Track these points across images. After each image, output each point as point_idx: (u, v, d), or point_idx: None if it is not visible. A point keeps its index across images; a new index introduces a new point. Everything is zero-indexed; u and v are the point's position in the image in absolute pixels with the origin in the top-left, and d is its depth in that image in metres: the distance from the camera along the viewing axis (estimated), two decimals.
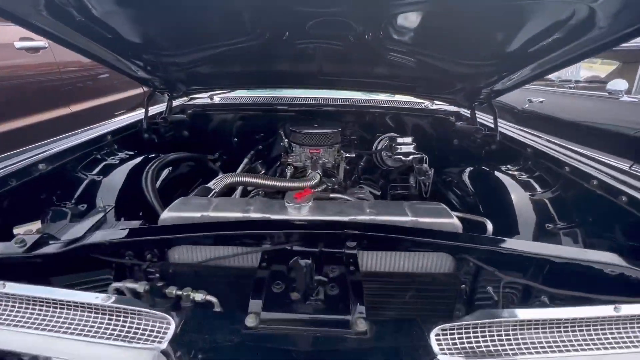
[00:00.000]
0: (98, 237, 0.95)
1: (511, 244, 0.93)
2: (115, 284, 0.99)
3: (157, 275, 1.00)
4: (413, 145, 1.97)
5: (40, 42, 3.88)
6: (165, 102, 2.30)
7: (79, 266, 1.02)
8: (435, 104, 2.57)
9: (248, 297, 0.95)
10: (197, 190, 1.24)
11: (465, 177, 2.16)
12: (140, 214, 1.56)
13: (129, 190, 1.62)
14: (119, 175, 1.67)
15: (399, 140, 1.99)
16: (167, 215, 1.02)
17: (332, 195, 1.20)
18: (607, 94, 3.78)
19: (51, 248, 0.94)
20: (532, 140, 1.84)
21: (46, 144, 1.57)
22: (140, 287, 0.95)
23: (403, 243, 0.94)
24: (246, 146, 2.59)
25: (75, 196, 1.48)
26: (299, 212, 1.02)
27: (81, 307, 0.76)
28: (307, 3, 1.13)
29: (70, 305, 0.77)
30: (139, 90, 5.99)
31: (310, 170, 1.73)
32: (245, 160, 2.43)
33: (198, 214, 1.01)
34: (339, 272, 0.90)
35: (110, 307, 0.78)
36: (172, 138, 2.38)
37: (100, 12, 1.26)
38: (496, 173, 1.90)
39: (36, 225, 1.18)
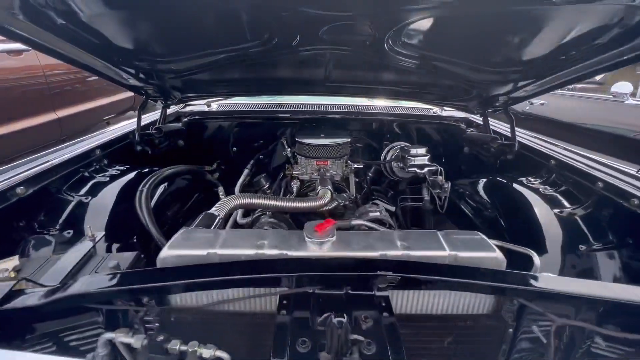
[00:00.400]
0: (85, 284, 0.80)
1: (570, 285, 0.81)
2: (108, 335, 0.84)
3: (157, 324, 0.86)
4: (427, 157, 1.85)
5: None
6: (159, 110, 2.14)
7: (63, 313, 0.86)
8: (445, 110, 2.46)
9: (265, 351, 0.81)
10: (199, 219, 1.09)
11: (480, 188, 2.05)
12: (135, 239, 1.41)
13: (121, 212, 1.46)
14: (109, 195, 1.51)
15: (412, 150, 1.86)
16: (168, 253, 0.87)
17: (353, 222, 1.07)
18: (611, 96, 3.73)
19: (29, 299, 0.78)
20: (554, 151, 1.73)
21: (26, 162, 1.40)
22: (137, 342, 0.80)
23: (444, 284, 0.82)
24: (246, 156, 2.45)
25: (60, 221, 1.32)
26: (321, 247, 0.88)
27: None
28: (325, 6, 1.00)
29: None
30: (130, 94, 5.78)
31: (319, 187, 1.59)
32: (246, 172, 2.28)
33: (204, 252, 0.87)
34: (372, 321, 0.77)
35: None
36: (166, 149, 2.22)
37: (86, 15, 1.10)
38: (515, 185, 1.79)
39: (13, 261, 1.02)
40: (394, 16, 1.10)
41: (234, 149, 2.46)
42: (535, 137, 2.00)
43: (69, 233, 1.31)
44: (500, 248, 0.97)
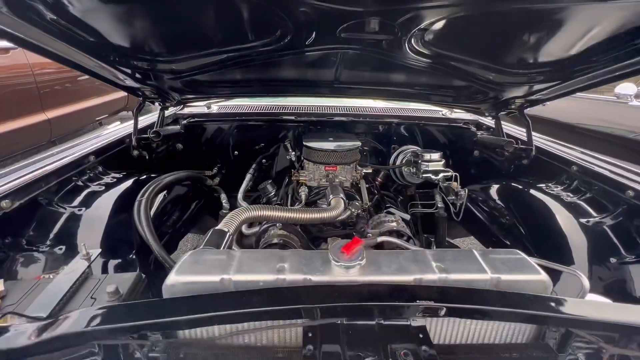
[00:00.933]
0: (80, 319, 0.69)
1: (630, 312, 0.73)
2: None
3: None
4: (442, 162, 1.76)
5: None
6: (157, 113, 2.02)
7: (53, 348, 0.75)
8: (454, 112, 2.38)
9: None
10: (208, 237, 0.99)
11: (493, 193, 1.97)
12: (133, 255, 1.30)
13: (118, 224, 1.35)
14: (104, 206, 1.39)
15: (426, 155, 1.77)
16: (177, 280, 0.77)
17: (380, 239, 0.97)
18: (615, 98, 3.69)
19: (15, 339, 0.67)
20: (576, 157, 1.66)
21: (12, 171, 1.28)
22: None
23: (491, 314, 0.73)
24: (247, 160, 2.34)
25: (51, 236, 1.20)
26: (348, 272, 0.79)
27: None
28: (349, 2, 0.90)
29: None
30: (123, 94, 5.61)
31: (331, 195, 1.49)
32: (248, 177, 2.17)
33: (217, 278, 0.77)
34: (412, 357, 0.68)
35: None
36: (164, 153, 2.10)
37: (79, 9, 0.99)
38: (532, 191, 1.71)
39: None
40: (421, 14, 1.00)
41: (235, 152, 2.35)
42: (552, 141, 1.92)
43: (60, 249, 1.19)
44: (542, 267, 0.89)
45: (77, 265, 1.03)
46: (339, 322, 0.75)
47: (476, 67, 1.44)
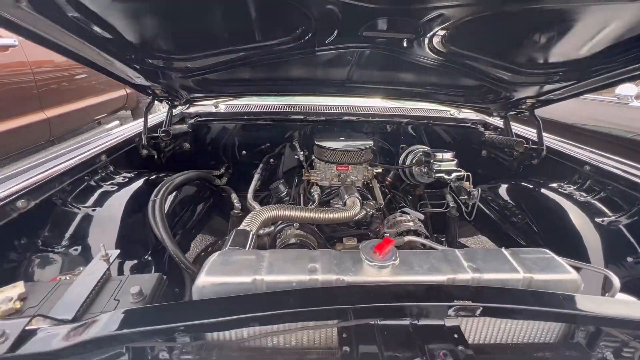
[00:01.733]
0: (112, 322, 0.67)
1: None
2: None
3: None
4: (455, 162, 1.76)
5: (9, 39, 3.43)
6: (161, 112, 2.00)
7: (86, 350, 0.73)
8: (462, 112, 2.38)
9: None
10: (232, 237, 0.97)
11: (504, 193, 1.98)
12: (149, 255, 1.28)
13: (133, 225, 1.33)
14: (118, 206, 1.37)
15: (438, 155, 1.77)
16: (207, 281, 0.75)
17: (407, 238, 0.97)
18: (615, 98, 3.73)
19: (47, 342, 0.65)
20: (587, 157, 1.67)
21: (24, 171, 1.25)
22: None
23: (527, 314, 0.72)
24: (254, 159, 2.32)
25: (67, 237, 1.17)
26: (381, 272, 0.78)
27: None
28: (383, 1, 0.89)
29: None
30: (122, 92, 5.55)
31: (346, 195, 1.48)
32: (257, 177, 2.15)
33: (248, 279, 0.75)
34: (450, 357, 0.67)
35: None
36: (171, 152, 2.08)
37: (99, 6, 0.97)
38: (543, 190, 1.72)
39: (18, 288, 0.88)
40: (446, 13, 1.00)
41: (243, 152, 2.33)
42: (562, 141, 1.93)
43: (76, 250, 1.17)
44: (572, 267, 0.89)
45: (97, 267, 1.01)
46: (374, 322, 0.75)
47: (492, 67, 1.44)
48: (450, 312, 0.72)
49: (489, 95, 1.79)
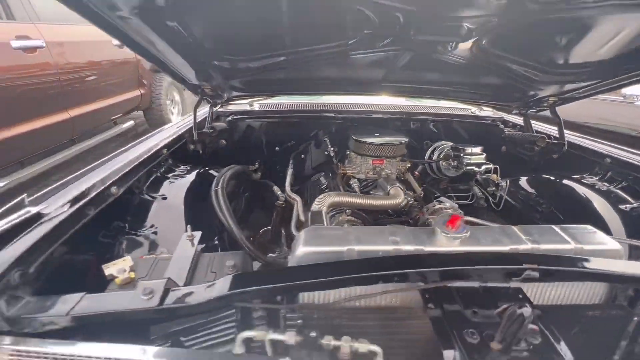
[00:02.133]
0: (233, 284, 0.79)
1: None
2: (247, 334, 0.84)
3: (299, 321, 0.86)
4: (484, 156, 1.90)
5: (37, 40, 3.54)
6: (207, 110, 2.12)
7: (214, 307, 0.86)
8: (483, 110, 2.52)
9: (412, 345, 0.83)
10: (310, 217, 1.10)
11: (526, 185, 2.11)
12: (216, 240, 1.40)
13: (197, 212, 1.45)
14: (182, 195, 1.50)
15: (468, 149, 1.91)
16: (307, 250, 0.88)
17: (466, 218, 1.09)
18: (621, 98, 3.88)
19: (181, 299, 0.78)
20: (607, 150, 1.80)
21: (101, 163, 1.36)
22: (290, 338, 0.80)
23: (581, 275, 0.85)
24: (285, 155, 2.45)
25: (146, 221, 1.30)
26: (453, 243, 0.91)
27: None
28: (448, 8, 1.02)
29: None
30: (137, 93, 5.66)
31: (389, 186, 1.61)
32: (290, 171, 2.28)
33: (343, 248, 0.88)
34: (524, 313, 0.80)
35: None
36: (211, 148, 2.20)
37: (192, 15, 1.09)
38: (565, 181, 1.86)
39: (127, 262, 1.00)
40: (501, 18, 1.13)
41: (276, 148, 2.46)
42: (580, 136, 2.07)
43: (155, 234, 1.29)
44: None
45: (186, 245, 1.14)
46: (450, 285, 0.87)
47: (523, 67, 1.57)
48: (517, 276, 0.84)
49: (516, 93, 1.92)
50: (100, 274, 0.95)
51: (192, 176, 1.67)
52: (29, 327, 0.73)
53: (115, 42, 5.06)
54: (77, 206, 1.01)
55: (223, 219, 1.40)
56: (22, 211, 0.93)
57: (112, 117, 5.40)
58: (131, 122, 5.67)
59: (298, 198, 1.84)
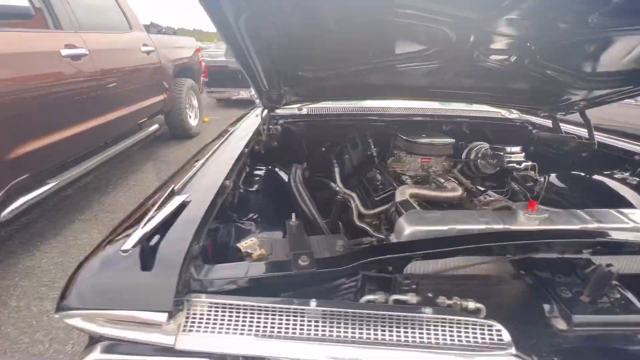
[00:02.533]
0: (369, 254, 0.98)
1: None
2: (369, 297, 1.03)
3: (413, 286, 1.05)
4: (523, 154, 2.10)
5: (81, 49, 3.74)
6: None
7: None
8: (512, 113, 2.73)
9: (507, 305, 1.02)
10: (401, 204, 1.29)
11: (555, 181, 2.31)
12: None
13: (279, 204, 1.64)
14: (267, 189, 1.69)
15: (508, 148, 2.11)
16: (415, 229, 1.07)
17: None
18: (634, 101, 4.10)
19: (331, 264, 0.97)
20: (636, 149, 2.01)
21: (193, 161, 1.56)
22: (412, 298, 1.00)
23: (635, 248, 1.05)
24: (328, 156, 2.65)
25: (249, 212, 1.49)
26: (534, 222, 1.10)
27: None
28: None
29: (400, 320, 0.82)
30: (160, 97, 5.86)
31: (445, 181, 1.81)
32: (337, 170, 2.47)
33: (445, 227, 1.07)
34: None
35: (436, 319, 0.83)
36: (266, 149, 2.40)
37: (286, 29, 1.29)
38: (596, 177, 2.06)
39: (255, 242, 1.20)
40: (559, 35, 1.33)
41: (322, 149, 2.65)
42: (607, 137, 2.28)
43: (255, 221, 1.48)
44: None
45: (295, 228, 1.33)
46: (535, 256, 1.07)
47: (562, 74, 1.78)
48: (590, 247, 1.04)
49: (550, 97, 2.12)
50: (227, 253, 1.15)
51: (267, 173, 1.87)
52: (214, 287, 0.93)
53: (144, 48, 5.29)
54: (212, 196, 1.20)
55: (306, 208, 1.59)
56: (176, 199, 1.13)
57: (139, 121, 5.60)
58: (156, 126, 5.86)
59: (353, 193, 2.04)
